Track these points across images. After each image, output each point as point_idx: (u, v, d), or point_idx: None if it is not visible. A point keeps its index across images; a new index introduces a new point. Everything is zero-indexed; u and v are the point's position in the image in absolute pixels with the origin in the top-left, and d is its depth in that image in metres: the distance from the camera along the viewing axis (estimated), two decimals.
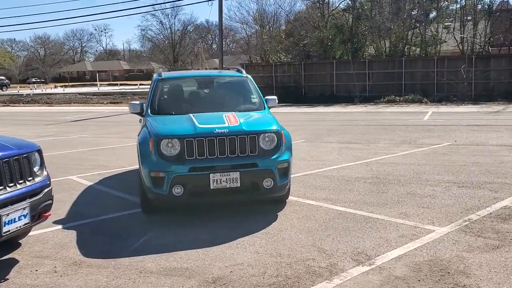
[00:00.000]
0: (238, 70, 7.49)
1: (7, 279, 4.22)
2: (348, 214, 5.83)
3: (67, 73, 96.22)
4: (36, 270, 4.41)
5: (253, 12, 40.80)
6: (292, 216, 5.80)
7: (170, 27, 77.17)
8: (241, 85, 7.21)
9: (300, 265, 4.33)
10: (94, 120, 21.53)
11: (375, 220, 5.57)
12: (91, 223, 5.82)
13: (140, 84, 56.91)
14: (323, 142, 11.84)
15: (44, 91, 47.44)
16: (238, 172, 5.48)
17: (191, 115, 6.10)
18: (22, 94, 40.98)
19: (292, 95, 27.90)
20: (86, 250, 4.90)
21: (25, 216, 4.21)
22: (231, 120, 5.84)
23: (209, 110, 6.48)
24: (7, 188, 4.13)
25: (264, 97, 7.12)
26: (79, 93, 39.31)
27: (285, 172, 5.78)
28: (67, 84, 75.35)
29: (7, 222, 4.01)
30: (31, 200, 4.31)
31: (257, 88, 7.09)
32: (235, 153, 5.55)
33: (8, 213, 4.02)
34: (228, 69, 7.51)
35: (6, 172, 4.14)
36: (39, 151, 4.74)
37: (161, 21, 73.30)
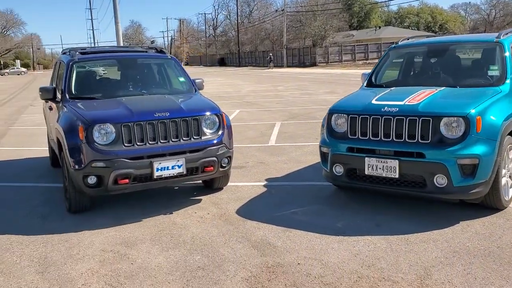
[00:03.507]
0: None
1: (172, 213, 5.36)
2: None
3: None
4: (195, 211, 5.36)
5: None
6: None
7: None
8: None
9: None
10: None
11: None
12: (288, 186, 6.21)
13: None
14: None
15: None
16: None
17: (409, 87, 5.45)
18: None
19: None
20: (234, 207, 5.41)
21: (179, 166, 5.16)
22: (419, 96, 4.86)
23: (434, 84, 5.49)
24: (171, 142, 5.16)
25: None
26: None
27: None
28: None
29: (159, 168, 5.07)
30: (189, 154, 5.21)
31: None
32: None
33: (161, 162, 5.06)
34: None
35: (172, 129, 5.17)
36: (218, 115, 5.53)
37: None
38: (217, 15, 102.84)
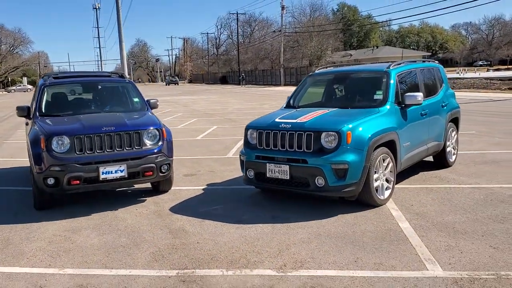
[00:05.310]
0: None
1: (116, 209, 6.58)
2: None
3: None
4: (136, 208, 6.58)
5: None
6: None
7: None
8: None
9: None
10: None
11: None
12: (222, 189, 7.42)
13: None
14: None
15: (461, 75, 47.62)
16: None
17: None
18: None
19: None
20: (170, 205, 6.65)
21: (121, 171, 6.39)
22: (310, 116, 6.10)
23: (333, 105, 6.76)
24: (115, 150, 6.40)
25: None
26: (486, 78, 37.68)
27: None
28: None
29: (104, 172, 6.30)
30: (131, 161, 6.43)
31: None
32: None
33: (105, 167, 6.30)
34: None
35: (117, 140, 6.41)
36: (158, 130, 6.76)
37: None
38: (220, 35, 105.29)
